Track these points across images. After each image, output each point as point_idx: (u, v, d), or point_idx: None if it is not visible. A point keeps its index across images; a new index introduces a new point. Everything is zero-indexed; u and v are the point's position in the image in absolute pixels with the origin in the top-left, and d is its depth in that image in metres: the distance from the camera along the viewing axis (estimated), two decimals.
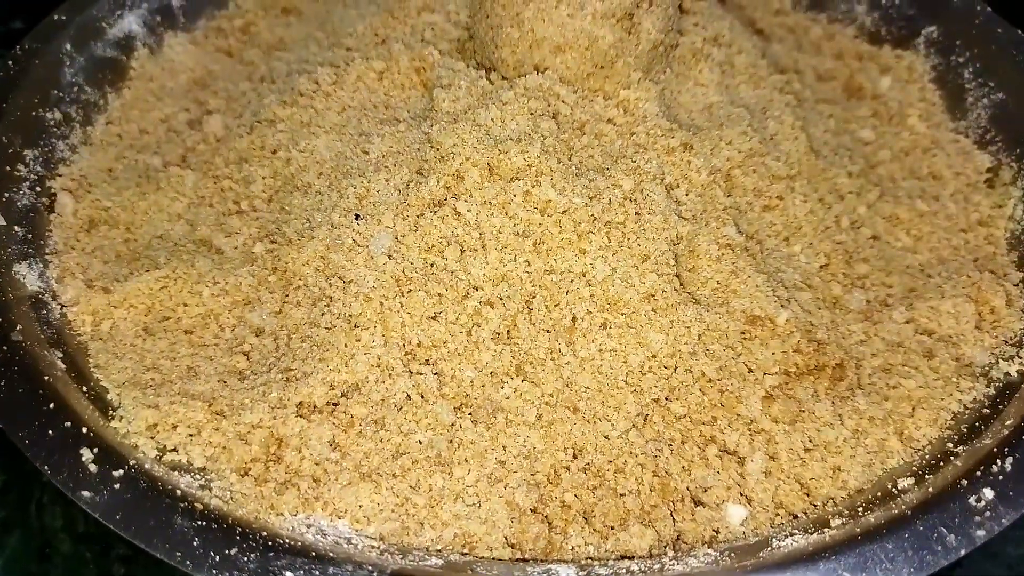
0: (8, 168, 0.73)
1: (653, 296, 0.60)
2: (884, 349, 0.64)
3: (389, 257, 0.60)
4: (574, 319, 0.60)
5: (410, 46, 0.77)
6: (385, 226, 0.62)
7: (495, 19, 0.70)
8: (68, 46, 0.84)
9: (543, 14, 0.67)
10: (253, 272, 0.65)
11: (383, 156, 0.67)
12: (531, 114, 0.66)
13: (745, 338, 0.61)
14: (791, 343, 0.61)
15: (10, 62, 0.79)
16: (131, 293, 0.65)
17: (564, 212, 0.61)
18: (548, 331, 0.60)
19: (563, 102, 0.68)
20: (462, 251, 0.61)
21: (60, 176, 0.76)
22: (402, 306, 0.59)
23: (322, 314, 0.60)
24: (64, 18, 0.85)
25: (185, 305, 0.65)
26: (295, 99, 0.75)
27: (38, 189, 0.74)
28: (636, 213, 0.62)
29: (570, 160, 0.65)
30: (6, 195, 0.71)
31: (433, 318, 0.59)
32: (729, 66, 0.80)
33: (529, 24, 0.68)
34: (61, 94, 0.81)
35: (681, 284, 0.62)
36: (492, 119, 0.65)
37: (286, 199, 0.69)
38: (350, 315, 0.59)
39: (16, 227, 0.70)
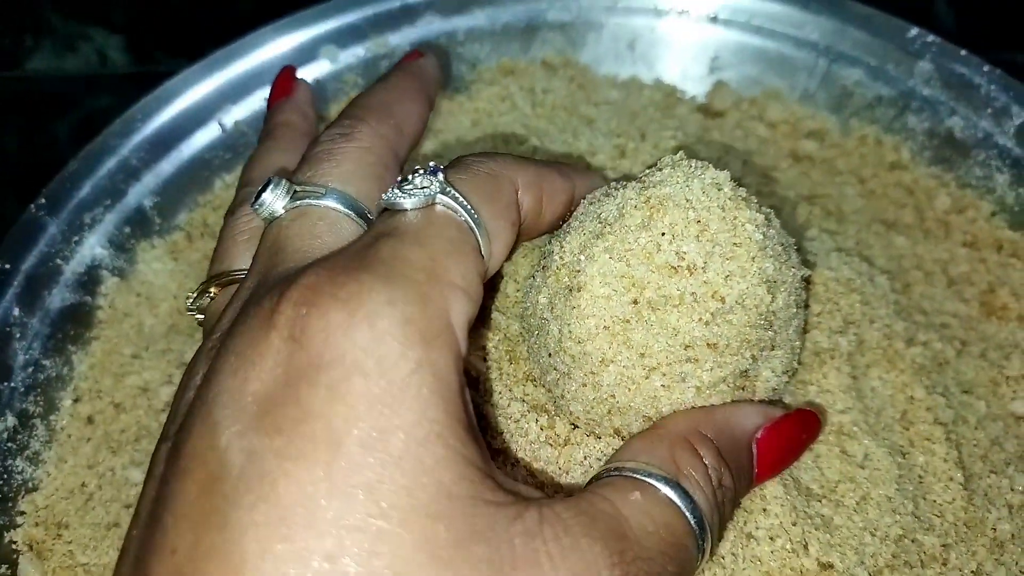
0: None
1: None
2: None
3: None
4: None
5: None
6: None
7: (562, 365, 0.52)
8: (16, 311, 0.67)
9: (628, 383, 0.50)
10: None
11: None
12: None
13: None
14: None
15: None
16: None
17: None
18: None
19: None
20: None
21: (21, 522, 0.61)
22: None
23: None
24: (7, 266, 0.68)
25: None
26: None
27: None
28: None
29: None
30: None
31: None
32: (857, 343, 0.62)
33: (609, 390, 0.51)
34: (14, 386, 0.65)
35: None
36: None
37: None
38: None
39: None
